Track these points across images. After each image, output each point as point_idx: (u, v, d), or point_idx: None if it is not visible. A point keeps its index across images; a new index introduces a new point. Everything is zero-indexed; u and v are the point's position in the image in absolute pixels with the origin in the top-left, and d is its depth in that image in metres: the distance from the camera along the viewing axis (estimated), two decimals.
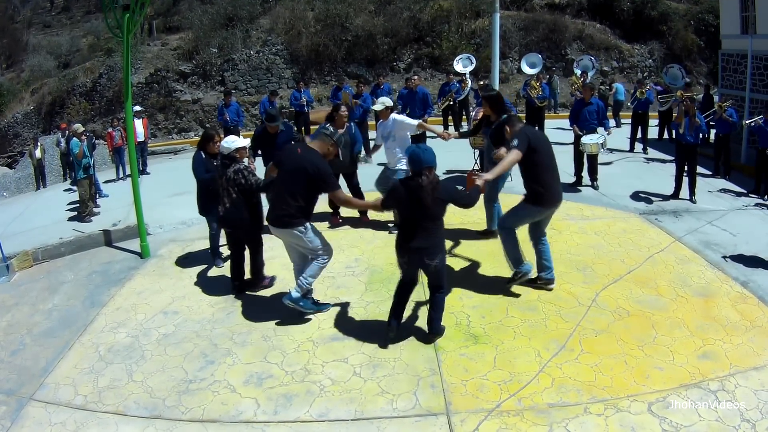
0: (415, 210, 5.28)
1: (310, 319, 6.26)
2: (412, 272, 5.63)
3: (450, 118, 16.11)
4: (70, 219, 11.22)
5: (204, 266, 8.02)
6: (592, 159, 10.37)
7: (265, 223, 6.27)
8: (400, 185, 5.47)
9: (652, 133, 14.82)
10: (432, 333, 5.72)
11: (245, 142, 6.82)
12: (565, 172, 10.91)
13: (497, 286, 6.67)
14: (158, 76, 24.87)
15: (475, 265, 7.23)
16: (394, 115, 8.46)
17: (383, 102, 8.55)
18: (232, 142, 6.66)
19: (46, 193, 15.80)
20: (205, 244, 8.41)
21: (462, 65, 15.83)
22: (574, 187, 10.46)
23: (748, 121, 11.69)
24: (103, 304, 7.25)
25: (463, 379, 5.09)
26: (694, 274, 6.98)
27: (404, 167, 7.90)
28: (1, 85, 36.55)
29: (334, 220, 9.11)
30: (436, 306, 5.69)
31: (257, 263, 7.05)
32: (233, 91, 20.66)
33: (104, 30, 35.74)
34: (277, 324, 6.24)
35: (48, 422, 5.11)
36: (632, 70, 24.00)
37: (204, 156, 7.48)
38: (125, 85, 8.77)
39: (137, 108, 15.07)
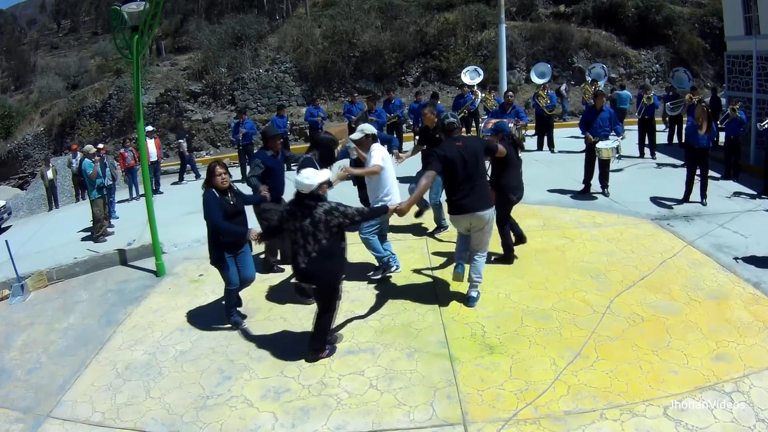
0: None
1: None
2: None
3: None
4: (84, 239, 11.29)
5: (219, 284, 8.01)
6: (604, 166, 10.38)
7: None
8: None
9: (662, 138, 14.80)
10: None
11: (327, 174, 5.70)
12: (575, 180, 10.96)
13: (511, 297, 6.68)
14: (168, 96, 25.09)
15: (488, 275, 7.23)
16: (376, 148, 7.46)
17: (363, 130, 7.58)
18: (314, 176, 5.45)
19: (59, 214, 15.92)
20: None
21: (469, 77, 15.90)
22: (585, 194, 10.45)
23: (761, 124, 11.70)
24: (119, 322, 7.31)
25: (479, 389, 5.09)
26: (707, 277, 6.97)
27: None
28: (11, 107, 36.95)
29: None
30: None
31: (324, 324, 5.84)
32: (245, 109, 20.81)
33: (112, 51, 36.13)
34: (293, 339, 6.28)
35: None
36: (640, 76, 24.01)
37: (218, 195, 6.35)
38: (136, 105, 8.85)
39: (149, 128, 15.18)
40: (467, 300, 6.62)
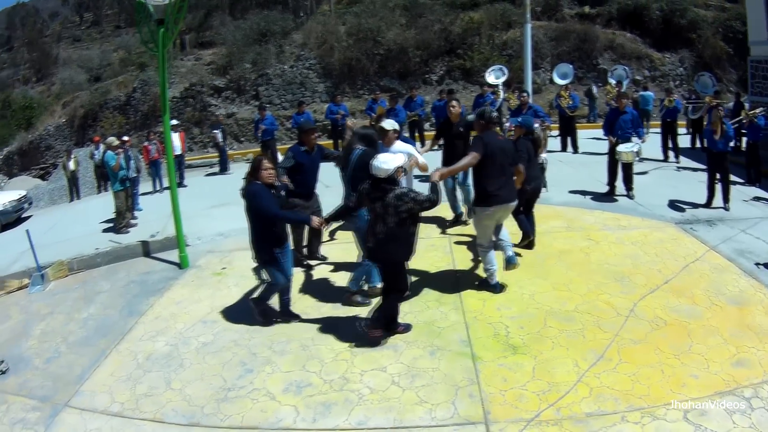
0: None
1: (347, 329, 6.28)
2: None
3: None
4: (106, 230, 11.38)
5: (242, 277, 8.10)
6: (627, 168, 10.31)
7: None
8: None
9: (684, 141, 14.67)
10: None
11: (403, 159, 5.80)
12: (599, 181, 10.89)
13: (535, 297, 6.66)
14: (193, 90, 25.25)
15: (512, 275, 7.20)
16: (400, 144, 7.61)
17: (392, 124, 7.69)
18: (390, 161, 5.61)
19: (80, 205, 16.06)
20: (244, 255, 8.48)
21: (494, 77, 15.82)
22: (609, 196, 10.38)
23: None
24: (141, 313, 7.36)
25: (502, 389, 5.07)
26: (729, 282, 6.90)
27: None
28: (32, 99, 37.38)
29: None
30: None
31: (389, 305, 5.98)
32: (267, 105, 20.86)
33: (135, 45, 36.46)
34: (315, 334, 6.29)
35: (83, 428, 5.19)
36: (664, 79, 23.77)
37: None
38: (162, 99, 8.89)
39: (174, 122, 15.26)
40: (508, 262, 6.90)
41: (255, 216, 6.15)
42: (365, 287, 6.99)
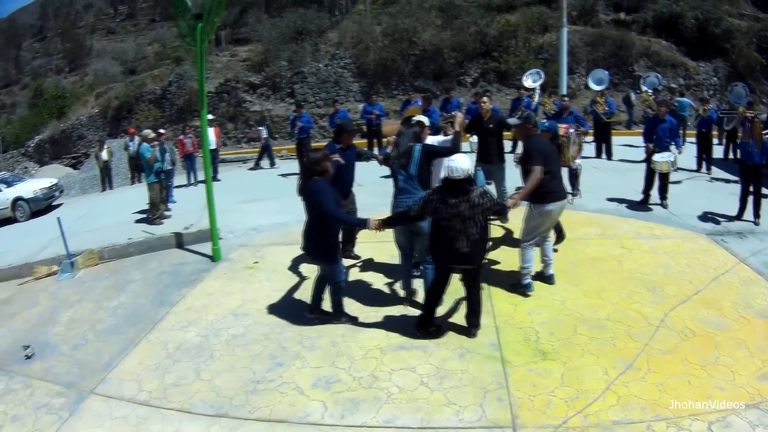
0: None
1: (377, 328, 6.32)
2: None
3: None
4: (138, 221, 11.56)
5: (273, 272, 8.17)
6: (663, 178, 10.20)
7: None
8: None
9: (718, 152, 14.47)
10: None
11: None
12: (634, 189, 10.80)
13: (566, 304, 6.62)
14: (228, 86, 25.51)
15: (543, 282, 7.18)
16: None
17: (427, 120, 7.72)
18: (466, 160, 5.59)
19: (112, 195, 16.31)
20: (277, 250, 8.58)
21: (531, 80, 15.72)
22: (644, 205, 10.29)
23: None
24: (173, 304, 7.47)
25: (530, 394, 5.06)
26: (757, 295, 6.80)
27: None
28: (64, 88, 37.98)
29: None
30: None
31: (480, 298, 6.09)
32: (303, 103, 21.00)
33: (170, 39, 36.91)
34: (345, 330, 6.32)
35: (108, 416, 5.27)
36: (698, 88, 23.49)
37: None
38: (200, 93, 8.98)
39: (209, 116, 15.43)
40: (549, 279, 7.16)
41: (319, 213, 6.02)
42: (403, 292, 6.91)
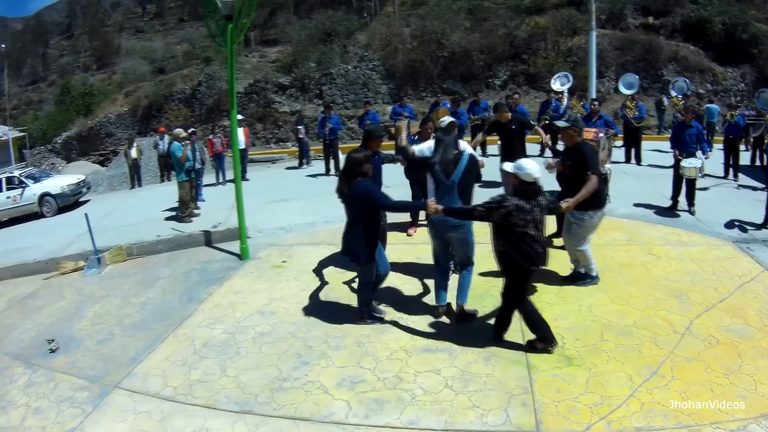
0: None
1: (403, 330, 6.35)
2: None
3: (548, 135, 15.75)
4: (167, 219, 11.71)
5: (301, 271, 8.24)
6: (691, 184, 10.12)
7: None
8: None
9: (745, 158, 14.28)
10: None
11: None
12: (663, 195, 10.71)
13: (593, 310, 6.60)
14: (257, 86, 25.77)
15: (571, 287, 7.19)
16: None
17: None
18: (532, 162, 5.61)
19: (141, 193, 16.52)
20: (304, 250, 8.62)
21: (559, 83, 15.65)
22: (672, 211, 10.21)
23: None
24: (200, 301, 7.57)
25: (555, 399, 5.05)
26: None
27: None
28: (92, 86, 38.51)
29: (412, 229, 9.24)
30: None
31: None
32: (331, 104, 21.11)
33: (199, 39, 37.31)
34: (370, 331, 6.36)
35: (132, 410, 5.35)
36: (726, 94, 23.24)
37: None
38: (230, 94, 9.09)
39: (239, 117, 15.57)
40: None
41: (366, 213, 6.06)
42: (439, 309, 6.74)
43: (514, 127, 9.18)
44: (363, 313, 6.55)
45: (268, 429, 4.94)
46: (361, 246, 6.11)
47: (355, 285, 7.24)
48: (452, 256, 6.82)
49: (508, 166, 5.72)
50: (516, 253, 5.57)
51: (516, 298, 5.82)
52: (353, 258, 6.29)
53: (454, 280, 6.73)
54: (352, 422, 4.92)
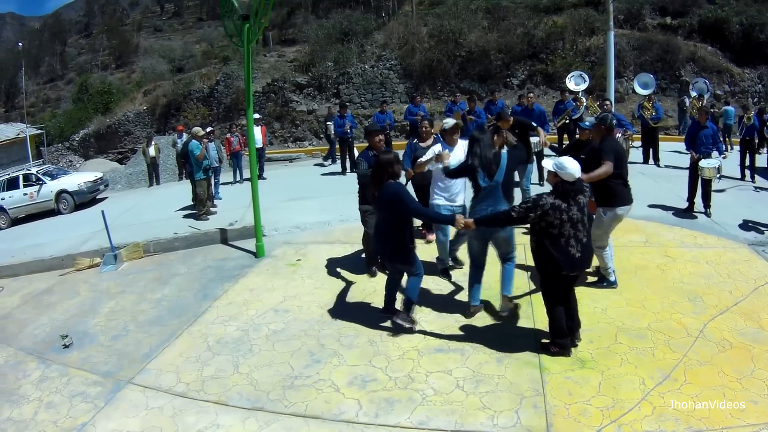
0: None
1: (415, 329, 6.33)
2: None
3: (565, 136, 15.63)
4: (185, 216, 11.79)
5: (315, 269, 8.28)
6: (706, 185, 10.04)
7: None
8: None
9: (761, 160, 14.13)
10: None
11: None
12: (680, 196, 10.63)
13: (607, 312, 6.57)
14: (275, 86, 25.87)
15: (586, 289, 7.13)
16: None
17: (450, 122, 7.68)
18: (572, 160, 5.43)
19: (159, 190, 16.64)
20: (319, 249, 8.64)
21: (574, 83, 15.55)
22: (688, 212, 10.13)
23: None
24: (215, 298, 7.64)
25: (566, 402, 5.03)
26: None
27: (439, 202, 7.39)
28: (111, 84, 38.83)
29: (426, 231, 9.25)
30: None
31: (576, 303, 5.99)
32: (348, 104, 21.15)
33: (218, 38, 37.58)
34: (383, 331, 6.38)
35: (144, 406, 5.42)
36: (743, 95, 23.02)
37: None
38: (247, 93, 9.13)
39: (256, 116, 15.63)
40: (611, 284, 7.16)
41: (394, 216, 5.98)
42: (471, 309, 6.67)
43: (516, 131, 9.18)
44: (409, 309, 6.35)
45: (279, 426, 4.97)
46: (397, 249, 6.09)
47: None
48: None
49: (548, 164, 5.52)
50: (550, 253, 5.41)
51: (546, 297, 5.74)
52: (390, 259, 6.33)
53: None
54: (362, 421, 4.94)
